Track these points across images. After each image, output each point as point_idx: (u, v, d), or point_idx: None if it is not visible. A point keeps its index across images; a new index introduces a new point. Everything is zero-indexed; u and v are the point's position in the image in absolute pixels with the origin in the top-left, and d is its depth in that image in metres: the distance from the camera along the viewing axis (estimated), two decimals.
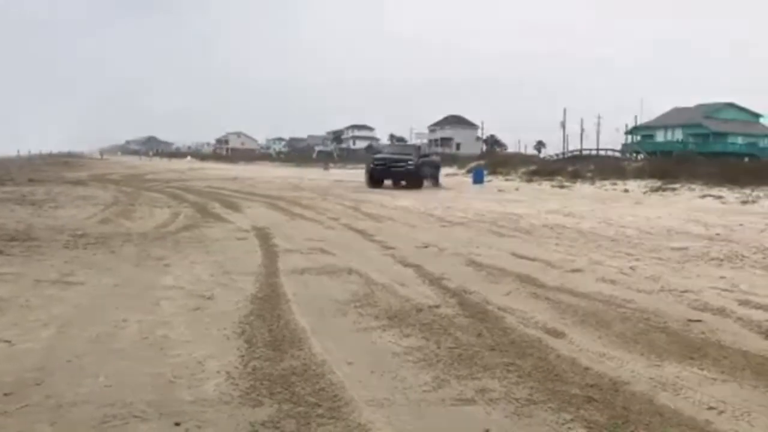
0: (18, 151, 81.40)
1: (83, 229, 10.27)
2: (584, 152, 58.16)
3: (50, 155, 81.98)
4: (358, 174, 38.14)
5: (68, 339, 4.51)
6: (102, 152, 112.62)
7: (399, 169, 26.15)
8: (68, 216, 12.42)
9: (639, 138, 73.31)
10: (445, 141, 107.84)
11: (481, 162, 44.41)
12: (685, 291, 6.45)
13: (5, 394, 3.45)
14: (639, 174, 29.55)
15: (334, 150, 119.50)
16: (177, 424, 3.15)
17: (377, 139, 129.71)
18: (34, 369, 3.86)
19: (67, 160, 64.86)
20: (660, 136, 71.67)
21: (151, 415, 3.25)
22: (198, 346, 4.39)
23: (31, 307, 5.32)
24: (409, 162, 26.29)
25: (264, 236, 10.12)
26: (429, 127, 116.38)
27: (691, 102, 73.58)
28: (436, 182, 28.56)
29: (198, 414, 3.27)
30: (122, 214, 13.22)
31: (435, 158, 33.19)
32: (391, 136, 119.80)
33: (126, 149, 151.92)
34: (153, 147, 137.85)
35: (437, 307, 5.61)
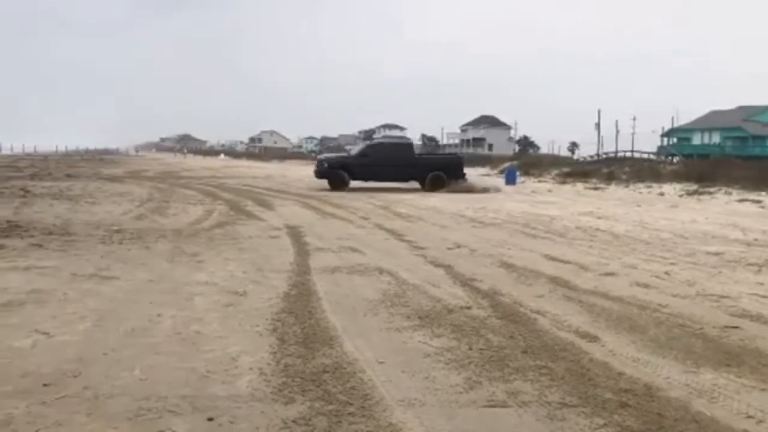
0: (56, 147, 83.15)
1: (119, 225, 10.45)
2: (619, 154, 57.46)
3: (87, 151, 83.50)
4: None
5: (104, 332, 4.59)
6: (137, 149, 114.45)
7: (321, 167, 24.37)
8: (104, 212, 12.64)
9: (675, 140, 72.17)
10: (477, 141, 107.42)
11: (514, 163, 44.10)
12: (722, 296, 6.33)
13: (44, 385, 3.53)
14: (675, 177, 29.08)
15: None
16: (210, 419, 3.19)
17: (409, 139, 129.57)
18: (72, 361, 3.93)
19: (103, 156, 66.05)
20: (697, 139, 70.48)
21: (185, 409, 3.30)
22: (231, 342, 4.44)
23: (69, 301, 5.43)
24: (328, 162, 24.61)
25: (296, 234, 10.19)
26: (461, 127, 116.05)
27: (729, 105, 72.20)
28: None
29: (231, 409, 3.31)
30: (157, 210, 13.41)
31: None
32: (423, 136, 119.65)
33: (161, 146, 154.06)
34: (187, 145, 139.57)
35: (469, 308, 5.59)
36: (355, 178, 23.72)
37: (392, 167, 23.66)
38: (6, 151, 64.69)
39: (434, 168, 24.56)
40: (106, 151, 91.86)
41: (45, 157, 51.96)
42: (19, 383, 3.55)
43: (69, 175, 25.59)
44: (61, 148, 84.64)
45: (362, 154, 25.65)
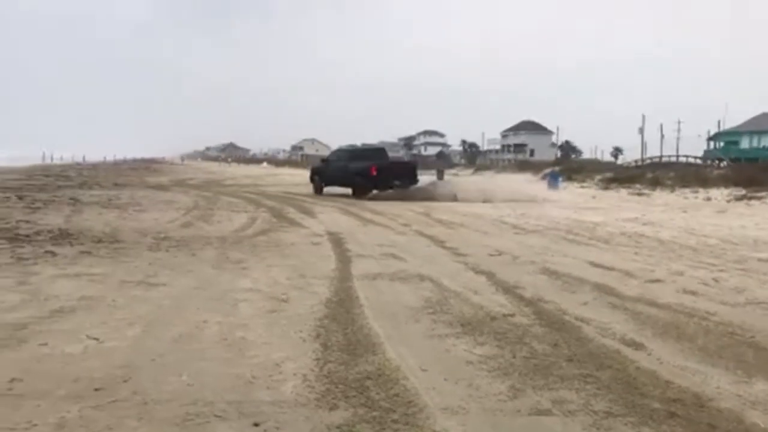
0: (104, 157, 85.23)
1: (165, 232, 10.66)
2: (664, 159, 56.39)
3: (134, 161, 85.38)
4: (429, 180, 38.09)
5: (152, 338, 4.69)
6: (183, 158, 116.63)
7: None
8: (151, 219, 12.90)
9: (722, 144, 70.45)
10: (519, 147, 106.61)
11: (556, 168, 43.60)
12: None
13: (95, 390, 3.62)
14: (722, 181, 28.36)
15: (404, 156, 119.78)
16: (256, 425, 3.23)
17: (448, 146, 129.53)
18: (121, 366, 4.03)
19: (149, 165, 67.41)
20: (745, 143, 68.59)
21: (231, 414, 3.35)
22: (275, 348, 4.49)
23: (118, 307, 5.55)
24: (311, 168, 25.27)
25: (337, 241, 10.25)
26: (502, 132, 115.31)
27: None
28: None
29: (276, 415, 3.35)
30: (202, 218, 13.63)
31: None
32: (463, 142, 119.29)
33: (206, 155, 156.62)
34: (231, 153, 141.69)
35: (512, 315, 5.55)
36: (325, 184, 24.60)
37: (340, 173, 23.81)
38: (56, 161, 66.54)
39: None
40: (153, 160, 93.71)
41: (93, 166, 53.30)
42: (71, 388, 3.65)
43: (117, 184, 26.19)
44: (109, 158, 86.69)
45: (325, 160, 26.40)
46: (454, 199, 21.73)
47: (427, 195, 22.40)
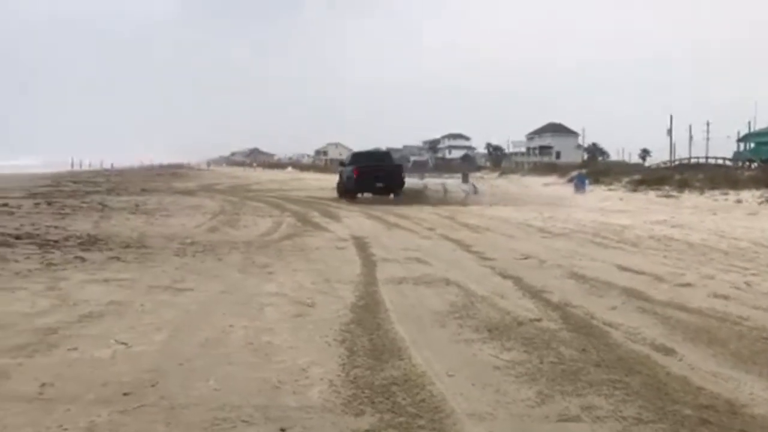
0: (132, 163, 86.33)
1: (192, 238, 10.75)
2: (692, 160, 55.67)
3: (160, 166, 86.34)
4: (454, 183, 38.04)
5: (179, 343, 4.72)
6: (209, 163, 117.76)
7: None
8: (178, 224, 13.03)
9: (752, 145, 69.18)
10: (544, 149, 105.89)
11: (583, 171, 43.23)
12: None
13: (124, 394, 3.65)
14: (753, 183, 27.88)
15: (429, 159, 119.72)
16: (283, 430, 3.23)
17: (473, 149, 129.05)
18: (149, 371, 4.06)
19: (176, 171, 68.16)
20: None
21: (258, 419, 3.35)
22: (301, 353, 4.49)
23: (146, 312, 5.60)
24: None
25: (362, 245, 10.25)
26: (527, 135, 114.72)
27: None
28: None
29: (303, 420, 3.34)
30: (228, 223, 13.74)
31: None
32: (488, 145, 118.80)
33: (231, 160, 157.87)
34: (256, 158, 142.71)
35: (539, 320, 5.49)
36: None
37: (344, 176, 24.68)
38: (84, 167, 67.54)
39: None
40: (179, 166, 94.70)
41: (121, 173, 54.01)
42: (100, 392, 3.68)
43: (144, 190, 26.50)
44: (136, 164, 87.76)
45: (342, 164, 26.83)
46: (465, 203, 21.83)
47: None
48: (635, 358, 4.47)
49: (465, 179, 42.58)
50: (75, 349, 4.48)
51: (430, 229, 13.24)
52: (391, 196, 23.19)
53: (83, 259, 8.17)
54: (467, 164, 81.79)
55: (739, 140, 72.60)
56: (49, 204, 16.67)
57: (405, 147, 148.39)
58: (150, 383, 3.83)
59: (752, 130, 71.58)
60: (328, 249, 9.88)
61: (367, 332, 5.04)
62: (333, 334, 4.96)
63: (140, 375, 3.96)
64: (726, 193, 26.20)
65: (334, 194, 25.74)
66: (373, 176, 23.02)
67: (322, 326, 5.20)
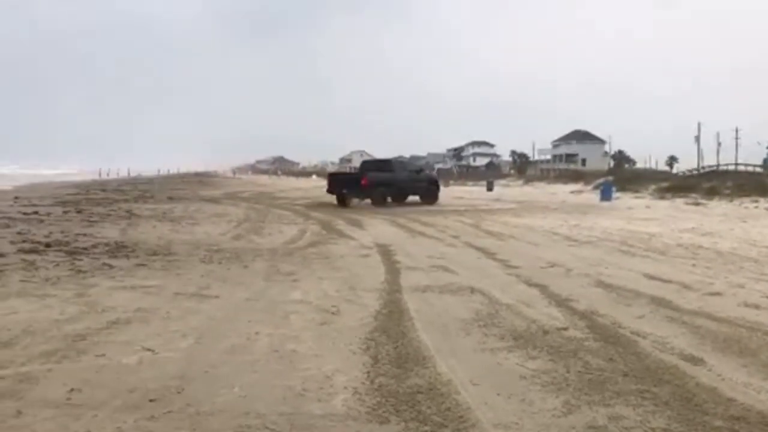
0: (158, 171, 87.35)
1: (218, 245, 10.83)
2: (721, 167, 54.85)
3: (186, 174, 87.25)
4: (479, 191, 37.97)
5: (205, 350, 4.75)
6: (234, 171, 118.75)
7: None
8: (204, 232, 13.13)
9: None
10: (570, 157, 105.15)
11: (609, 178, 42.84)
12: None
13: (150, 400, 3.67)
14: None
15: (453, 167, 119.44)
16: None
17: (498, 156, 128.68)
18: (175, 377, 4.08)
19: (202, 178, 68.80)
20: None
21: (283, 427, 3.36)
22: (326, 361, 4.49)
23: (172, 319, 5.65)
24: None
25: (386, 253, 10.24)
26: (552, 142, 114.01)
27: None
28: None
29: (327, 428, 3.34)
30: (253, 230, 13.81)
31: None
32: (513, 152, 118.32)
33: (256, 168, 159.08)
34: (281, 166, 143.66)
35: (565, 329, 5.44)
36: None
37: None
38: (113, 175, 68.49)
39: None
40: (205, 174, 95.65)
41: (148, 180, 54.65)
42: (127, 398, 3.72)
43: (170, 198, 26.77)
44: (163, 171, 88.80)
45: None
46: None
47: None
48: (663, 368, 4.40)
49: (490, 187, 42.32)
50: (103, 355, 4.53)
51: (455, 236, 13.19)
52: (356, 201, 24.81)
53: (111, 266, 8.27)
54: (492, 172, 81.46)
55: None
56: (78, 212, 16.91)
57: (429, 154, 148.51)
58: (176, 390, 3.86)
59: None
60: (353, 256, 9.89)
61: (392, 340, 5.03)
62: (357, 342, 4.96)
63: (166, 381, 3.99)
64: (756, 201, 25.82)
65: (358, 202, 25.85)
66: (343, 185, 25.50)
67: (347, 334, 5.20)
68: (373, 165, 27.95)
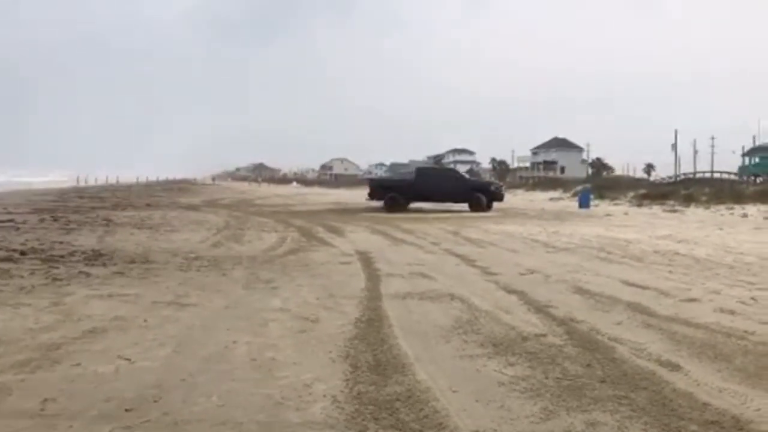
0: (137, 178, 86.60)
1: (196, 252, 10.75)
2: (698, 175, 55.62)
3: (166, 181, 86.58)
4: None
5: (183, 358, 4.70)
6: (214, 178, 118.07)
7: None
8: (182, 239, 13.03)
9: (757, 160, 69.21)
10: (549, 164, 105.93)
11: (587, 185, 43.23)
12: None
13: (126, 410, 3.63)
14: (759, 198, 27.94)
15: (393, 175, 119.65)
16: None
17: (478, 163, 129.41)
18: (152, 386, 4.04)
19: (181, 186, 68.29)
20: None
21: None
22: (304, 369, 4.47)
23: (149, 327, 5.59)
24: None
25: (366, 260, 10.24)
26: (532, 150, 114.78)
27: None
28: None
29: None
30: (233, 237, 13.74)
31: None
32: (493, 160, 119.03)
33: (236, 175, 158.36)
34: (261, 173, 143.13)
35: (543, 335, 5.47)
36: None
37: None
38: (91, 183, 67.77)
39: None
40: (184, 181, 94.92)
41: (126, 188, 54.17)
42: (103, 408, 3.67)
43: (149, 205, 26.54)
44: (142, 179, 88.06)
45: None
46: None
47: None
48: (641, 374, 4.44)
49: None
50: (78, 364, 4.47)
51: (435, 243, 13.22)
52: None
53: (88, 275, 8.18)
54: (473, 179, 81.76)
55: (744, 155, 72.72)
56: (55, 219, 16.71)
57: (410, 161, 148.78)
58: (153, 399, 3.82)
59: (757, 144, 71.58)
60: (333, 264, 9.87)
61: (371, 348, 5.02)
62: (337, 350, 4.94)
63: (143, 391, 3.95)
64: (732, 208, 26.19)
65: (338, 209, 25.94)
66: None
67: (326, 342, 5.19)
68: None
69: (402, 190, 26.56)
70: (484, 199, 26.58)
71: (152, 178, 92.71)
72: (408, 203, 26.53)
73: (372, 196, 26.97)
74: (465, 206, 26.42)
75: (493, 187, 28.58)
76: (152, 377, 4.23)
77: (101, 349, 4.86)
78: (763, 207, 25.13)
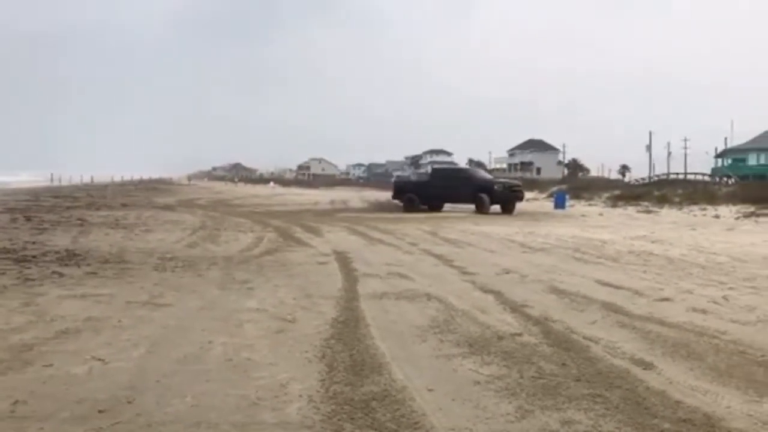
0: (112, 177, 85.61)
1: (172, 253, 10.66)
2: (671, 176, 56.33)
3: (141, 181, 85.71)
4: None
5: (157, 359, 4.66)
6: (190, 178, 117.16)
7: None
8: (158, 240, 12.91)
9: (729, 161, 70.40)
10: (525, 165, 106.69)
11: (563, 186, 43.57)
12: None
13: (99, 411, 3.59)
14: (730, 199, 28.40)
15: (411, 175, 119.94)
16: None
17: (455, 164, 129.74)
18: (126, 387, 4.00)
19: (156, 185, 67.65)
20: (752, 160, 68.53)
21: None
22: (280, 369, 4.45)
23: (123, 328, 5.53)
24: None
25: (344, 260, 10.22)
26: (508, 151, 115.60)
27: None
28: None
29: None
30: (208, 238, 13.63)
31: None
32: (470, 161, 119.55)
33: (212, 175, 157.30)
34: (238, 173, 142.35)
35: (519, 335, 5.50)
36: None
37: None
38: (65, 182, 66.87)
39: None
40: (160, 181, 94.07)
41: (101, 187, 53.52)
42: (75, 409, 3.62)
43: (124, 204, 26.26)
44: (117, 178, 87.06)
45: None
46: None
47: None
48: (615, 373, 4.48)
49: None
50: (50, 365, 4.41)
51: (413, 244, 13.24)
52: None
53: (61, 275, 8.07)
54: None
55: (717, 156, 73.85)
56: (28, 219, 16.46)
57: (388, 162, 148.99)
58: (126, 400, 3.78)
59: (729, 146, 72.76)
60: (310, 264, 9.84)
61: (348, 348, 5.01)
62: (313, 350, 4.93)
63: (116, 392, 3.91)
64: (704, 209, 26.57)
65: (316, 209, 25.95)
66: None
67: (303, 342, 5.17)
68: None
69: (418, 191, 26.87)
70: (486, 199, 25.51)
71: (127, 177, 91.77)
72: (425, 204, 26.45)
73: (395, 196, 27.64)
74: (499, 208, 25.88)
75: (497, 187, 26.44)
76: (126, 378, 4.18)
77: (74, 350, 4.79)
78: (734, 208, 25.53)
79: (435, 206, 26.49)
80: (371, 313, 6.30)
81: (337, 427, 3.45)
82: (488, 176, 30.79)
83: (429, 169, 31.96)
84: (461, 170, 33.11)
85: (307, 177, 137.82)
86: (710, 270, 9.70)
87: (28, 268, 8.50)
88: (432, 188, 26.80)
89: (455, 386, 4.16)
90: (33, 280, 7.65)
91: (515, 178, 40.63)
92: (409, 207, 26.20)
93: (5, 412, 3.56)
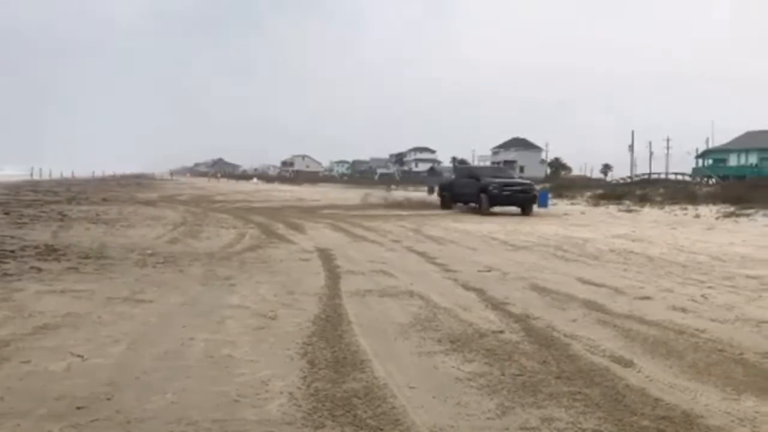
0: (93, 172, 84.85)
1: (153, 249, 10.58)
2: (653, 176, 56.81)
3: (123, 176, 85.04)
4: (420, 196, 38.29)
5: (137, 355, 4.62)
6: (172, 173, 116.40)
7: None
8: (139, 235, 12.81)
9: (710, 162, 71.18)
10: (509, 164, 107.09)
11: (546, 185, 43.78)
12: (763, 321, 6.17)
13: (78, 408, 3.55)
14: (711, 199, 28.70)
15: (395, 172, 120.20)
16: None
17: (439, 162, 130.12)
18: (105, 384, 3.96)
19: (138, 181, 67.16)
20: (733, 160, 69.37)
21: None
22: (262, 366, 4.43)
23: (103, 324, 5.48)
24: None
25: (327, 257, 10.20)
26: (492, 149, 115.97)
27: (766, 125, 71.28)
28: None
29: None
30: (190, 234, 13.55)
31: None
32: (453, 159, 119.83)
33: (195, 171, 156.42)
34: (221, 169, 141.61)
35: (501, 332, 5.52)
36: None
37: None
38: (45, 177, 66.16)
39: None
40: (142, 176, 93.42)
41: (82, 182, 53.02)
42: (53, 406, 3.58)
43: (105, 200, 26.04)
44: (98, 173, 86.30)
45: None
46: None
47: None
48: (595, 370, 4.51)
49: (431, 192, 43.00)
50: (28, 362, 4.35)
51: (396, 241, 13.24)
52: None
53: (40, 270, 7.98)
54: (433, 177, 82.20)
55: (698, 157, 74.63)
56: (6, 213, 16.26)
57: (372, 159, 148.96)
58: (105, 396, 3.74)
59: (710, 146, 73.55)
60: (293, 261, 9.81)
61: (330, 345, 5.00)
62: (295, 347, 4.91)
63: (95, 388, 3.87)
64: (685, 208, 26.81)
65: (300, 206, 25.88)
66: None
67: (284, 339, 5.15)
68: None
69: (450, 191, 27.72)
70: (485, 200, 24.01)
71: (109, 173, 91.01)
72: (456, 203, 27.06)
73: (439, 194, 28.95)
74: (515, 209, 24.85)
75: (492, 188, 24.12)
76: (105, 375, 4.14)
77: (53, 346, 4.74)
78: (714, 207, 25.80)
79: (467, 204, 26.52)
80: (354, 310, 6.29)
81: (318, 424, 3.44)
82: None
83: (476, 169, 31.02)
84: (472, 169, 34.36)
85: (290, 174, 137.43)
86: (690, 269, 9.79)
87: (6, 263, 8.40)
88: (455, 188, 27.61)
89: (437, 383, 4.16)
90: (11, 275, 7.56)
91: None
92: (444, 205, 27.37)
93: None
